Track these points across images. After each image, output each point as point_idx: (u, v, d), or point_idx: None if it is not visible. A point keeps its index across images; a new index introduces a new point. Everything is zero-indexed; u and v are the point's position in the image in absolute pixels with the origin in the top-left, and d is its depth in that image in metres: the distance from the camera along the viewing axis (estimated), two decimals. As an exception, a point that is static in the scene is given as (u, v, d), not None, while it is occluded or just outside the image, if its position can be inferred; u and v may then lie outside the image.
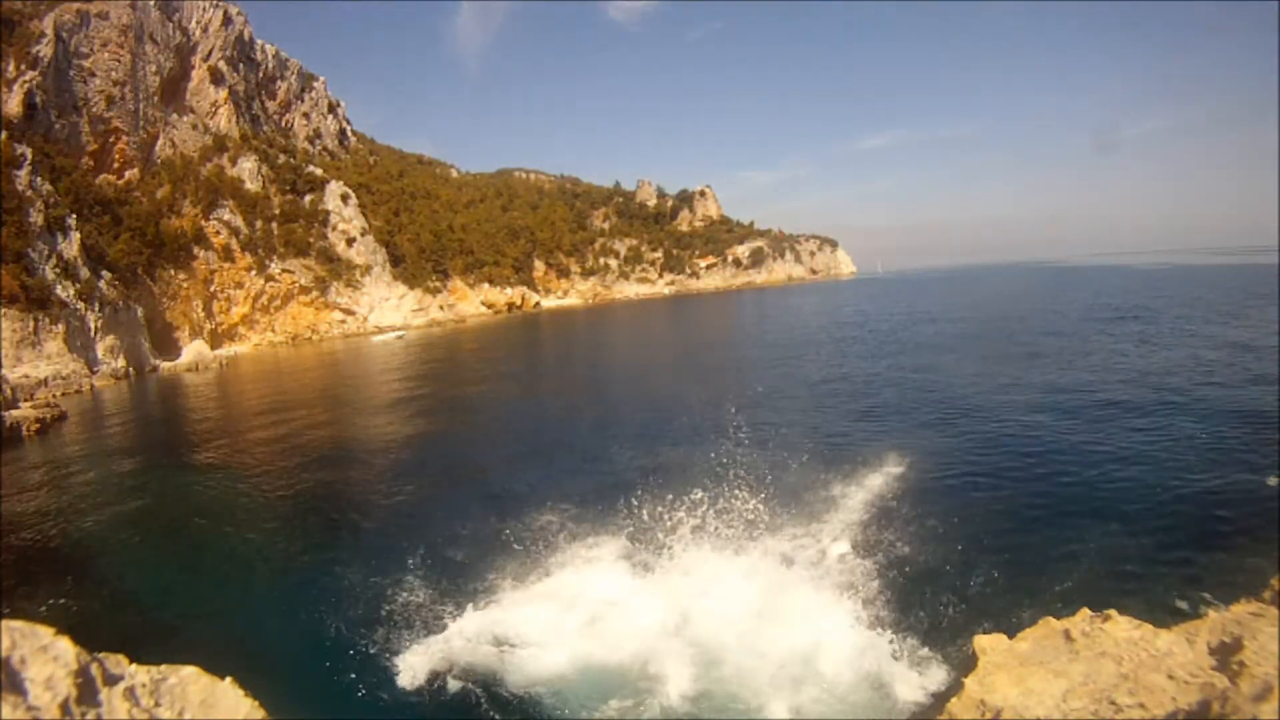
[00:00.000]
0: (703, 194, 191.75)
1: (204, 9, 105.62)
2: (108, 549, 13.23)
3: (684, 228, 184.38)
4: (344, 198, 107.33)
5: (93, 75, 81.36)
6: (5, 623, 2.32)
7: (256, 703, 2.81)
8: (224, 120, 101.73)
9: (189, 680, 2.77)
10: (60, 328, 49.94)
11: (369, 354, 62.48)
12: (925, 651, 7.14)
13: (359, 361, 56.55)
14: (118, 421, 33.05)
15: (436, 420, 25.40)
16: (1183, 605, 7.66)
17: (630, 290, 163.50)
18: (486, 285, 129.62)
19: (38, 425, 28.29)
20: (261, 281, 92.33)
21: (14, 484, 18.97)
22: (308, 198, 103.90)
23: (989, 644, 3.36)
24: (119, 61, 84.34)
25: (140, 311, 64.55)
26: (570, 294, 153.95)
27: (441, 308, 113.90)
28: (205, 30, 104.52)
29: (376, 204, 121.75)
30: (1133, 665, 2.89)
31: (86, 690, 2.34)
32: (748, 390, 25.10)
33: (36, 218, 54.54)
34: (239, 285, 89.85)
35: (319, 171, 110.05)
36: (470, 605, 8.95)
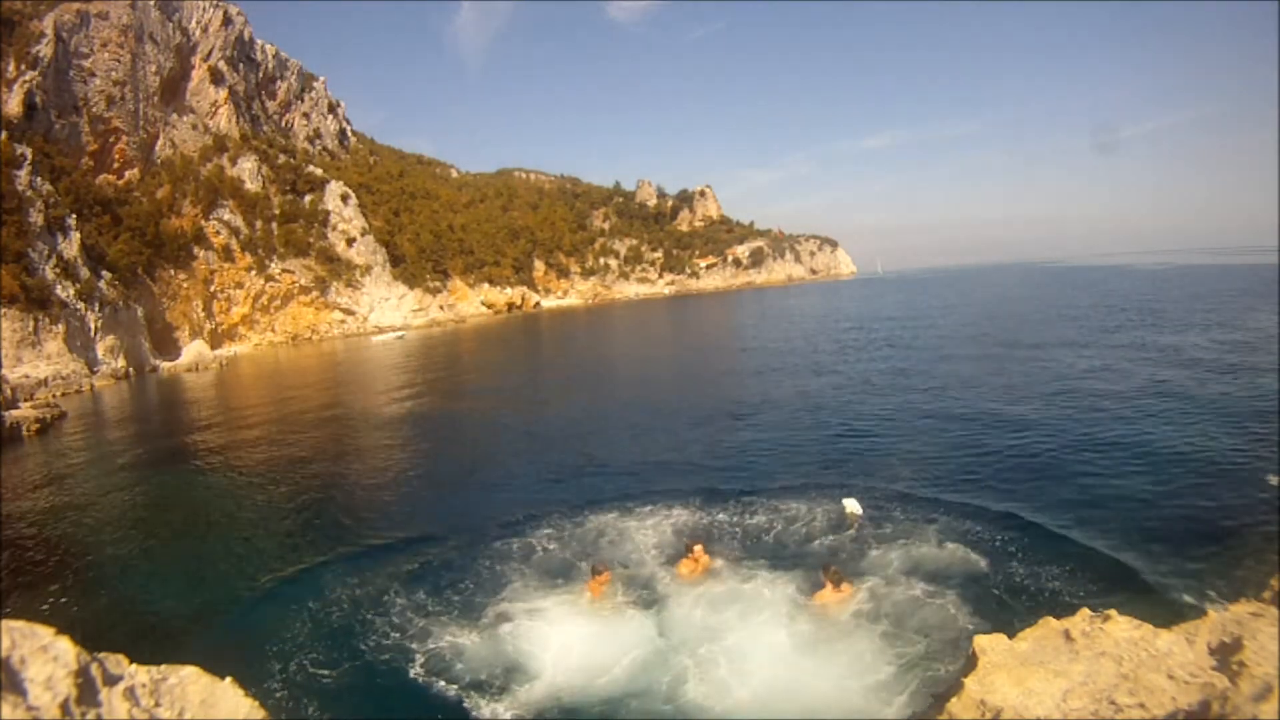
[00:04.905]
0: (703, 194, 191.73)
1: (204, 9, 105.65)
2: (108, 549, 13.22)
3: (684, 228, 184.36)
4: (344, 198, 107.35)
5: (93, 75, 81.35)
6: (5, 623, 2.32)
7: (256, 703, 2.81)
8: (224, 120, 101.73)
9: (189, 680, 2.77)
10: (60, 328, 49.94)
11: (369, 354, 62.48)
12: (925, 651, 7.13)
13: (359, 362, 56.55)
14: (118, 421, 33.06)
15: (437, 422, 25.41)
16: (1183, 605, 7.65)
17: (630, 290, 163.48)
18: (486, 285, 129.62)
19: (38, 425, 28.29)
20: (261, 281, 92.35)
21: (14, 484, 18.97)
22: (308, 198, 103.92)
23: (989, 644, 3.36)
24: (119, 61, 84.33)
25: (140, 311, 64.59)
26: (570, 294, 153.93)
27: (441, 308, 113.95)
28: (205, 30, 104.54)
29: (376, 204, 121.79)
30: (1133, 665, 2.89)
31: (86, 690, 2.34)
32: (747, 391, 25.11)
33: (36, 218, 54.55)
34: (239, 285, 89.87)
35: (319, 171, 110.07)
36: (471, 606, 8.95)
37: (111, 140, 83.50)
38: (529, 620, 8.38)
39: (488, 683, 7.24)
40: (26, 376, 43.39)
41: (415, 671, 7.56)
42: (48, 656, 2.29)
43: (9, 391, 32.17)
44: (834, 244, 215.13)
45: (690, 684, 6.92)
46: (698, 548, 9.47)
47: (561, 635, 7.91)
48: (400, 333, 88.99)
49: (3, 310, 46.33)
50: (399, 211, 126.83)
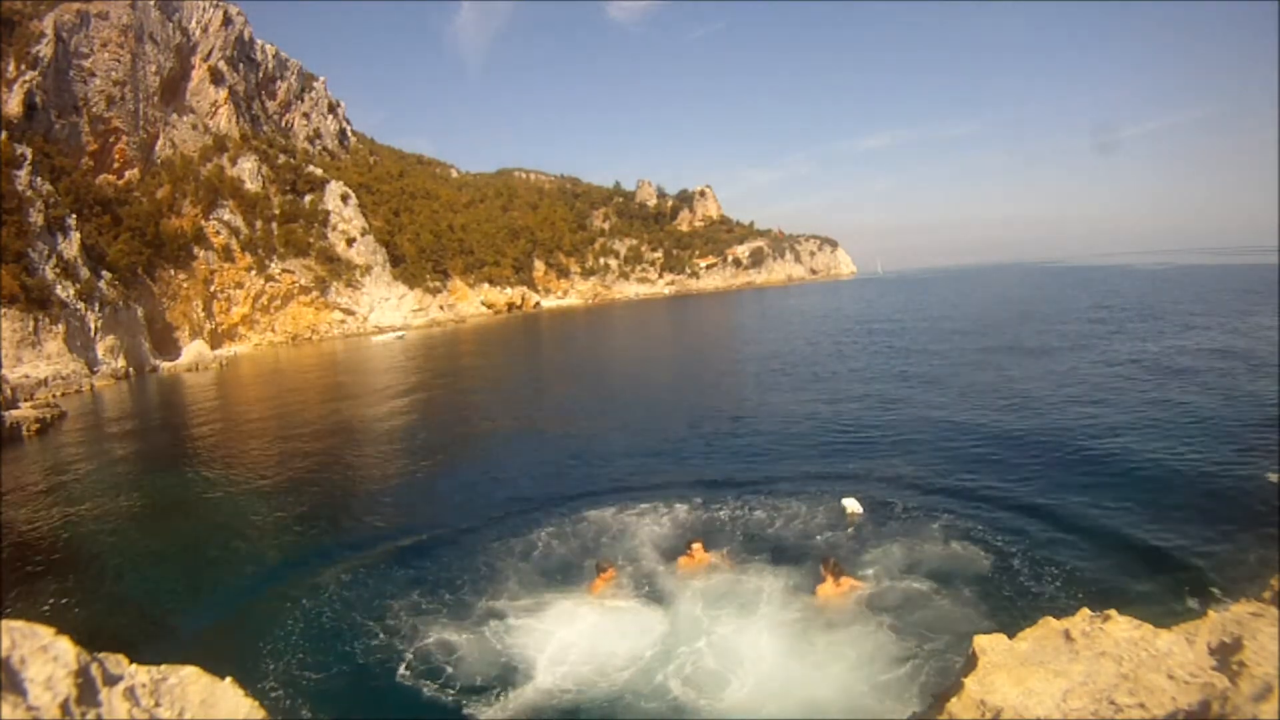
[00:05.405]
0: (703, 194, 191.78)
1: (204, 9, 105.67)
2: (108, 549, 13.22)
3: (684, 228, 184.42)
4: (344, 198, 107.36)
5: (93, 75, 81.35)
6: (5, 623, 2.32)
7: (256, 703, 2.81)
8: (224, 120, 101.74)
9: (189, 680, 2.78)
10: (60, 328, 49.95)
11: (369, 354, 62.48)
12: (925, 649, 7.13)
13: (359, 362, 56.55)
14: (118, 422, 33.05)
15: (436, 422, 25.42)
16: (1183, 605, 7.65)
17: (630, 290, 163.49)
18: (486, 285, 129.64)
19: (38, 425, 28.29)
20: (261, 281, 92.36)
21: (14, 484, 18.97)
22: (308, 198, 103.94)
23: (989, 644, 3.35)
24: (119, 61, 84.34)
25: (140, 311, 64.60)
26: (570, 294, 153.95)
27: (441, 308, 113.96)
28: (205, 30, 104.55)
29: (376, 204, 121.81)
30: (1133, 665, 2.89)
31: (86, 690, 2.34)
32: (747, 391, 25.13)
33: (36, 218, 54.56)
34: (239, 285, 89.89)
35: (319, 171, 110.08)
36: (471, 605, 8.95)
37: (111, 140, 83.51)
38: (531, 618, 8.38)
39: (488, 682, 7.23)
40: (26, 376, 43.39)
41: (413, 671, 7.55)
42: (48, 656, 2.29)
43: (9, 391, 32.18)
44: (834, 244, 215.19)
45: (689, 681, 6.91)
46: (696, 545, 9.51)
47: (563, 633, 7.90)
48: (400, 333, 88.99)
49: (3, 310, 46.33)
50: (399, 211, 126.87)
